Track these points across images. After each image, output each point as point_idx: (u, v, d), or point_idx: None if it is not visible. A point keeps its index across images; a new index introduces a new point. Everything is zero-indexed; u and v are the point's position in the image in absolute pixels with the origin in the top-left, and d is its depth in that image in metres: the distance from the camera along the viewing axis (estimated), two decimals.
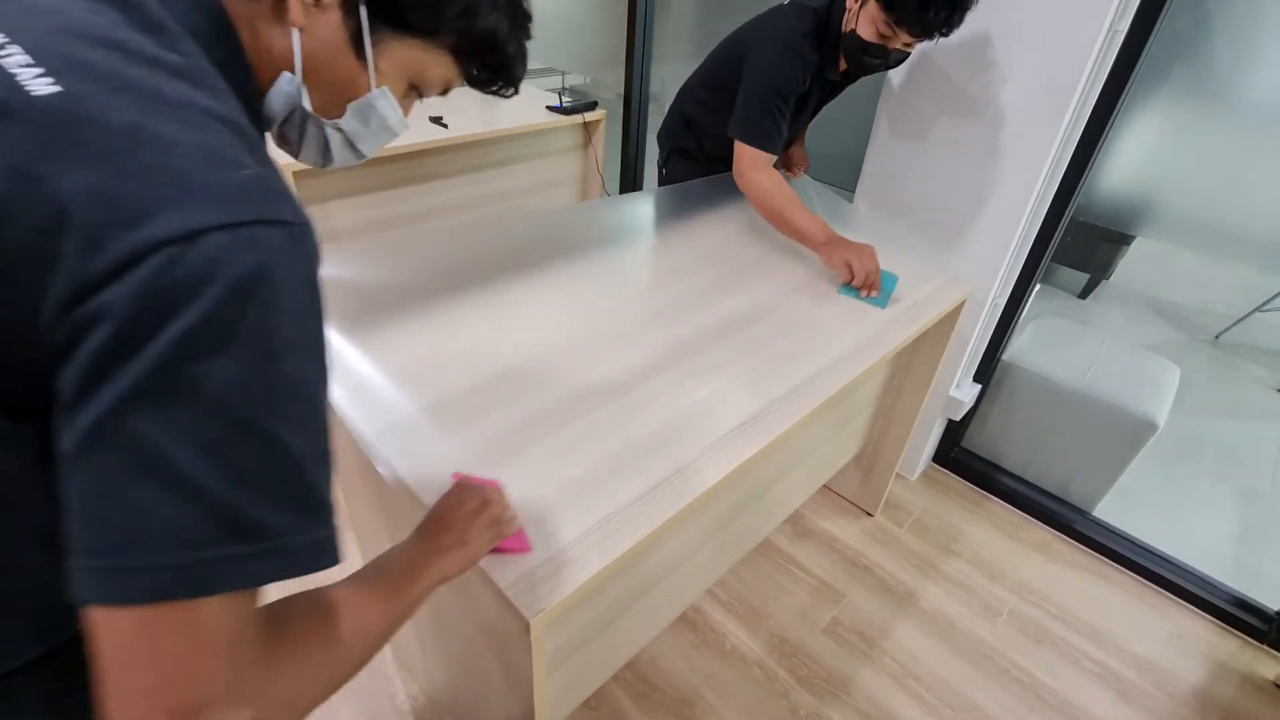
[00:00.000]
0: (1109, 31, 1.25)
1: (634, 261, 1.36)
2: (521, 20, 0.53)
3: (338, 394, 0.87)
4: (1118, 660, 1.50)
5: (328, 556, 0.38)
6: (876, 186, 1.68)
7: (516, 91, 0.58)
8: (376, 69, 0.49)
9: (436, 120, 2.18)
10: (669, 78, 2.63)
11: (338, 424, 0.84)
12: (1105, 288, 3.16)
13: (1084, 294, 3.14)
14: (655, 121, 2.67)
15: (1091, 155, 1.41)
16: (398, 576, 0.53)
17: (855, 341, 1.14)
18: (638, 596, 1.07)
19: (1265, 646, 1.55)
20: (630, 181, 2.81)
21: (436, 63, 0.51)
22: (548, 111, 2.45)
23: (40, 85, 0.32)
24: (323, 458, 0.38)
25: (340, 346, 0.96)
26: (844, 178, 1.91)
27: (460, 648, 0.98)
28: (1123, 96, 1.33)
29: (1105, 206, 1.68)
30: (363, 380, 0.91)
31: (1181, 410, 2.07)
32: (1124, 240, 2.84)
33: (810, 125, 1.72)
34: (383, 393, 0.91)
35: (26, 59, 0.33)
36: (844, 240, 1.29)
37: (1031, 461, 1.90)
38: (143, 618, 0.33)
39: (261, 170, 0.36)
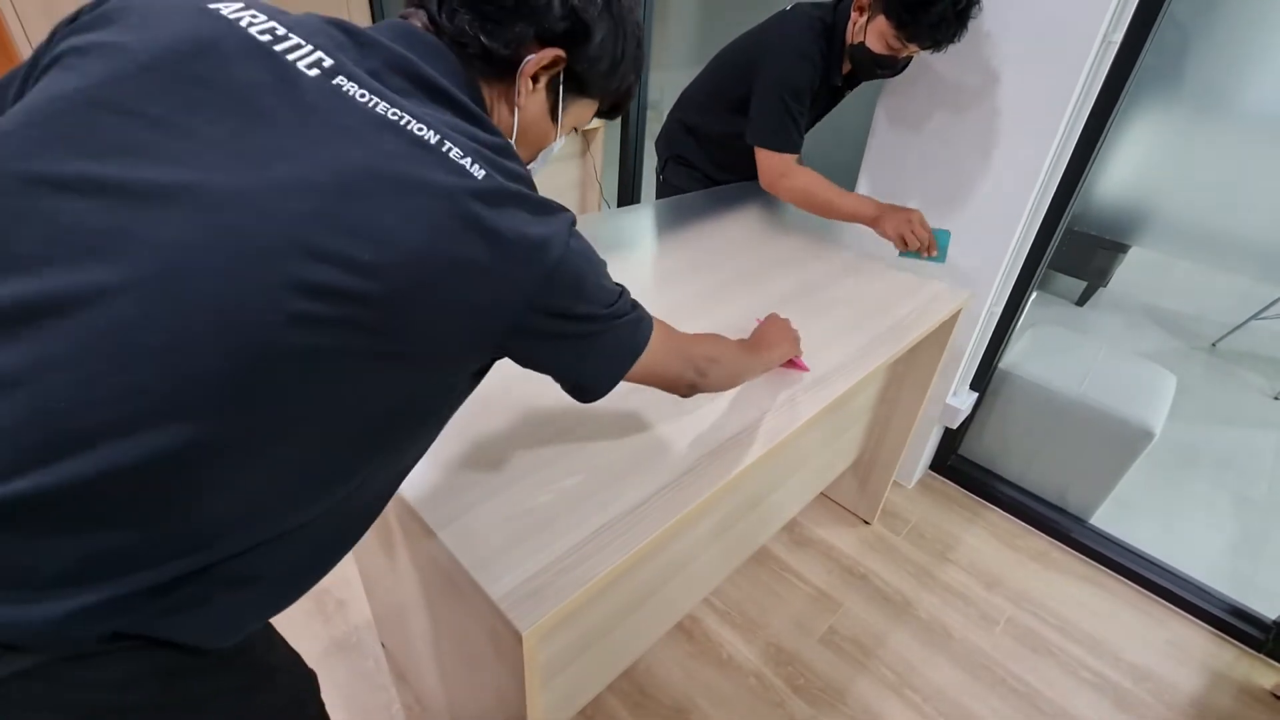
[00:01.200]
0: (1103, 42, 1.25)
1: (625, 273, 1.36)
2: (641, 69, 0.69)
3: None
4: (1115, 669, 1.49)
5: (648, 316, 0.68)
6: (872, 195, 1.68)
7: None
8: (561, 125, 0.65)
9: None
10: (667, 86, 2.64)
11: None
12: (1102, 295, 3.17)
13: (1081, 301, 3.15)
14: (654, 129, 2.68)
15: (1086, 165, 1.42)
16: (752, 346, 0.96)
17: (850, 351, 1.15)
18: (634, 606, 1.07)
19: (1263, 656, 1.55)
20: (628, 189, 2.82)
21: (592, 109, 0.67)
22: None
23: (476, 171, 0.48)
24: (625, 295, 0.65)
25: None
26: (840, 186, 1.92)
27: (454, 659, 0.97)
28: (1117, 106, 1.34)
29: (1101, 215, 1.69)
30: None
31: (1178, 418, 2.08)
32: (1120, 248, 2.85)
33: (806, 135, 1.73)
34: None
35: (460, 151, 0.48)
36: (893, 210, 1.34)
37: (1028, 469, 1.90)
38: (649, 359, 0.67)
39: (547, 199, 0.55)
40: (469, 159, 0.48)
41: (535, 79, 0.59)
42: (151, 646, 0.46)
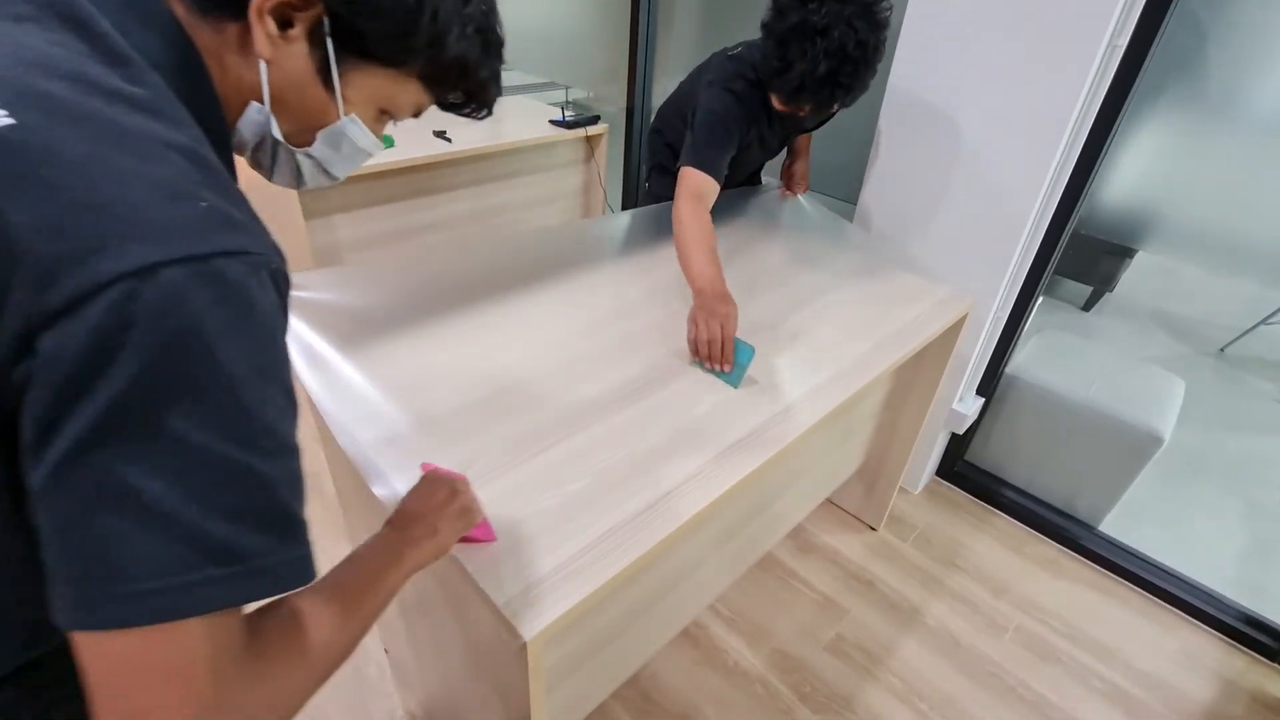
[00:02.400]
0: (1108, 47, 1.25)
1: (628, 277, 1.36)
2: (494, 46, 0.54)
3: (331, 410, 0.87)
4: (1125, 678, 1.47)
5: (305, 574, 0.39)
6: (877, 200, 1.68)
7: (490, 114, 0.59)
8: (345, 98, 0.50)
9: (440, 134, 2.20)
10: (669, 92, 2.65)
11: (331, 440, 0.84)
12: (1108, 300, 3.16)
13: (1087, 306, 3.14)
14: None
15: (1092, 169, 1.41)
16: (373, 570, 0.53)
17: (853, 357, 1.14)
18: (639, 613, 1.06)
19: (1275, 664, 1.53)
20: (632, 195, 2.83)
21: (405, 90, 0.52)
22: (550, 125, 2.47)
23: None
24: (293, 480, 0.39)
25: (334, 363, 0.96)
26: (846, 190, 1.92)
27: (457, 665, 0.97)
28: (1123, 111, 1.33)
29: (1107, 220, 1.68)
30: (354, 397, 0.91)
31: (1187, 424, 2.05)
32: (1127, 253, 2.84)
33: (812, 138, 1.73)
34: (375, 409, 0.90)
35: None
36: (712, 298, 1.09)
37: (1036, 475, 1.88)
38: (125, 642, 0.33)
39: (220, 202, 0.36)
40: None
41: (286, 23, 0.45)
42: None
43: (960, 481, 1.97)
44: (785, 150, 1.69)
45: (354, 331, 1.02)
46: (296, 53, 0.46)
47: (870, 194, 1.70)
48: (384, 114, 0.54)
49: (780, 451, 0.91)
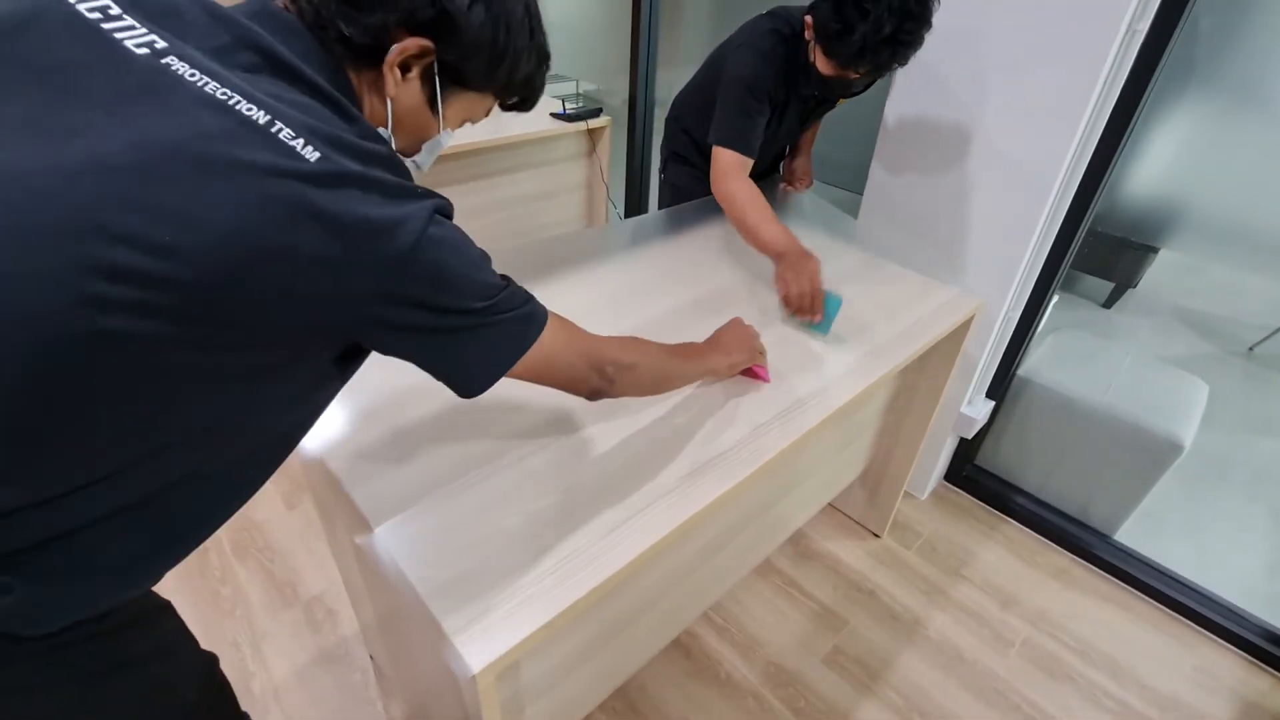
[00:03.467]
0: (1127, 32, 1.17)
1: (619, 282, 1.32)
2: (546, 60, 0.67)
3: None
4: (1139, 698, 1.41)
5: (540, 308, 0.64)
6: (883, 193, 1.62)
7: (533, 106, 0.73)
8: (444, 118, 0.63)
9: None
10: (677, 85, 2.59)
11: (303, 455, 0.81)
12: (1131, 296, 3.04)
13: (1108, 303, 3.03)
14: (661, 127, 2.63)
15: (1110, 162, 1.33)
16: (691, 351, 0.91)
17: (853, 359, 1.08)
18: (627, 622, 1.02)
19: None
20: (636, 189, 2.77)
21: (484, 103, 0.66)
22: (551, 119, 2.42)
23: (308, 153, 0.45)
24: (516, 289, 0.62)
25: None
26: (852, 181, 1.85)
27: (426, 680, 0.94)
28: (1143, 100, 1.25)
29: (1128, 216, 1.60)
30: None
31: (1212, 428, 1.96)
32: (1150, 249, 2.73)
33: (818, 129, 1.67)
34: (345, 422, 0.87)
35: (290, 133, 0.45)
36: (797, 256, 1.17)
37: (1049, 482, 1.81)
38: (530, 361, 0.63)
39: (414, 184, 0.52)
40: (301, 140, 0.45)
41: (406, 68, 0.57)
42: None
43: (969, 487, 1.90)
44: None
45: None
46: (412, 90, 0.59)
47: (876, 186, 1.63)
48: (465, 120, 0.68)
49: (769, 462, 0.87)
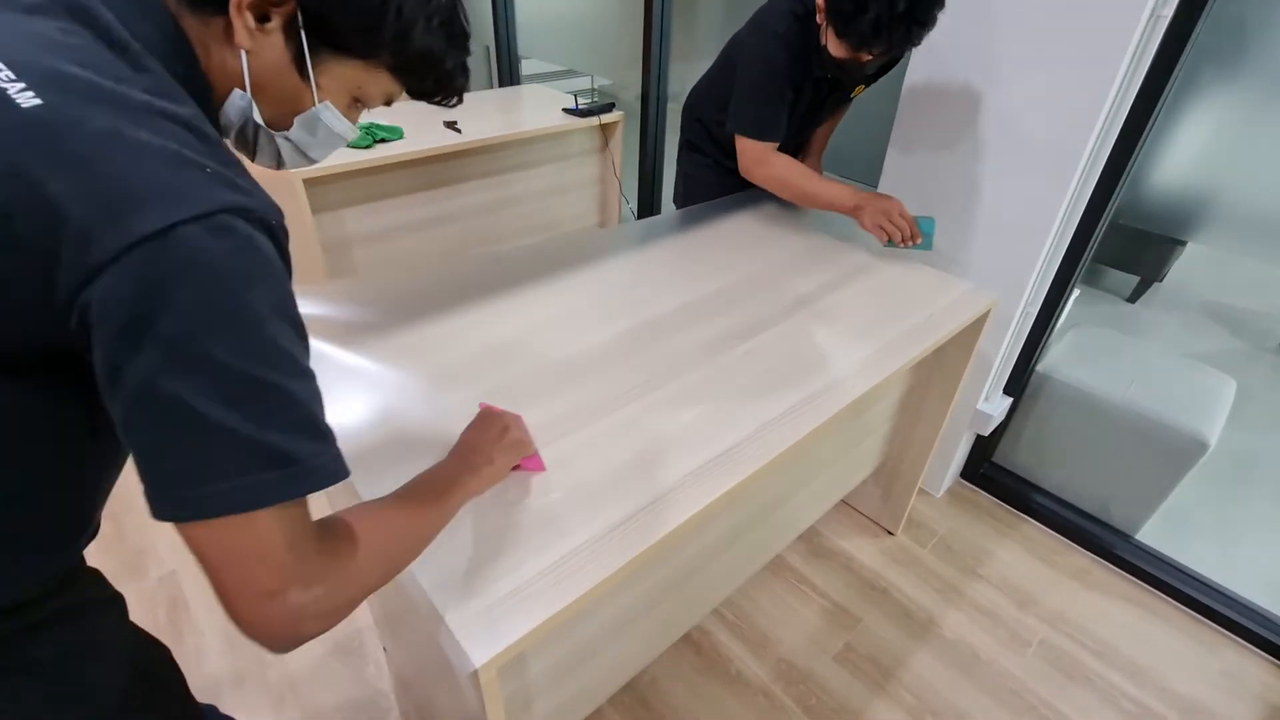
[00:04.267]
0: (1151, 16, 1.14)
1: (627, 282, 1.31)
2: (459, 38, 0.58)
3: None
4: (1160, 701, 1.38)
5: (341, 471, 0.46)
6: (898, 185, 1.59)
7: (460, 101, 0.63)
8: (319, 85, 0.55)
9: (450, 125, 2.17)
10: (690, 78, 2.57)
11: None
12: (1157, 291, 2.97)
13: (1133, 298, 2.96)
14: (675, 121, 2.61)
15: (1133, 152, 1.30)
16: (435, 489, 0.63)
17: (863, 356, 1.07)
18: (634, 619, 1.02)
19: None
20: (648, 184, 2.76)
21: (376, 79, 0.57)
22: (564, 114, 2.42)
23: (25, 98, 0.37)
24: (316, 396, 0.46)
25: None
26: (866, 174, 1.82)
27: (437, 676, 0.94)
28: (1168, 87, 1.22)
29: (1153, 209, 1.55)
30: (339, 408, 0.89)
31: (1239, 426, 1.91)
32: (1177, 241, 2.66)
33: (814, 129, 1.65)
34: (350, 418, 0.88)
35: (9, 74, 0.38)
36: (872, 198, 1.30)
37: (1069, 480, 1.77)
38: (219, 530, 0.41)
39: (221, 168, 0.42)
40: (21, 84, 0.38)
41: (264, 18, 0.49)
42: None
43: (986, 485, 1.87)
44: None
45: (340, 336, 1.00)
46: (274, 44, 0.51)
47: (890, 178, 1.60)
48: (357, 102, 0.58)
49: (777, 458, 0.86)
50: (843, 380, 1.01)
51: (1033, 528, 1.78)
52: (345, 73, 0.55)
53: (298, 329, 0.45)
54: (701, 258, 1.36)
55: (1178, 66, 1.19)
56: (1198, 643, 1.50)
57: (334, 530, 0.50)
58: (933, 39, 1.14)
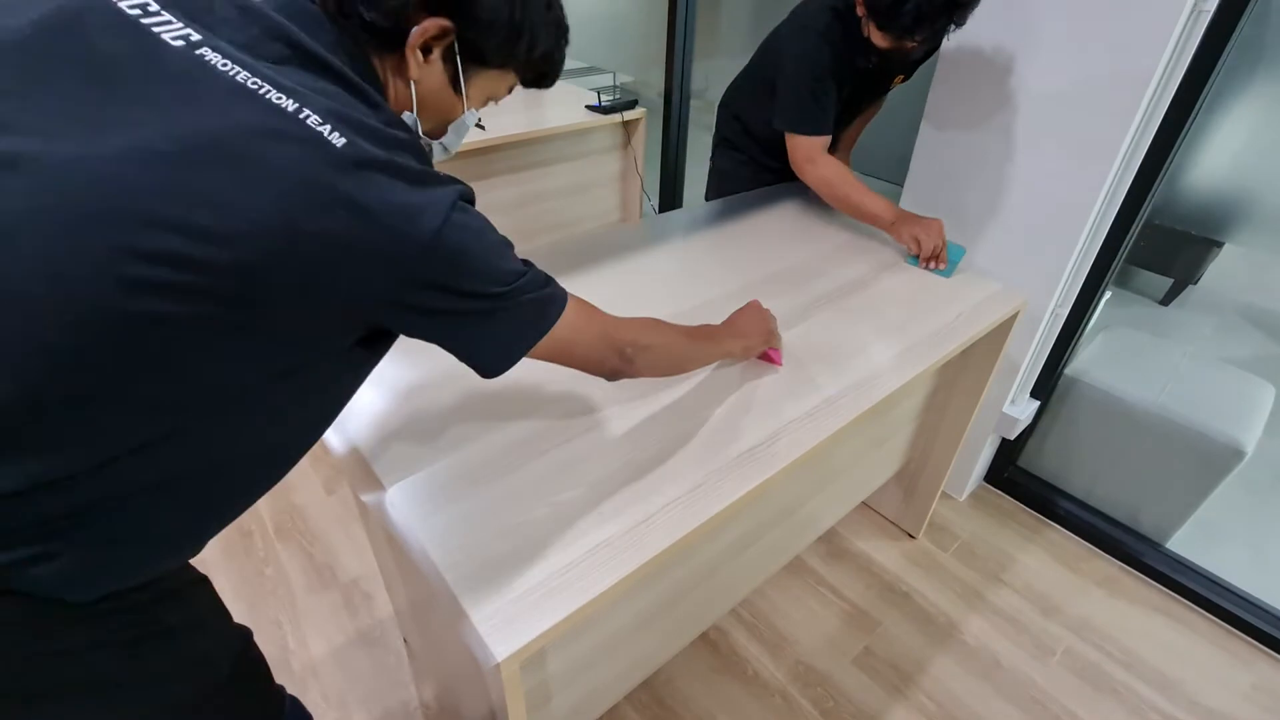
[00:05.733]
0: (1192, 12, 1.11)
1: (656, 273, 1.31)
2: (565, 32, 0.67)
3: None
4: (1189, 714, 1.34)
5: (563, 290, 0.67)
6: (926, 183, 1.57)
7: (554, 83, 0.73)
8: (467, 96, 0.64)
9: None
10: (714, 74, 2.56)
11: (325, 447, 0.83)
12: (1191, 293, 2.89)
13: (1166, 300, 2.88)
14: (698, 118, 2.60)
15: (1171, 151, 1.26)
16: (711, 334, 0.91)
17: (889, 356, 1.06)
18: (653, 617, 1.02)
19: None
20: (670, 181, 2.76)
21: (505, 80, 0.67)
22: (586, 111, 2.42)
23: (335, 139, 0.47)
24: (539, 273, 0.63)
25: None
26: (894, 172, 1.80)
27: (457, 669, 0.95)
28: (1208, 85, 1.18)
29: (1190, 208, 1.52)
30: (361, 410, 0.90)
31: (1278, 433, 1.85)
32: (1213, 242, 2.58)
33: (853, 121, 1.63)
34: (376, 410, 0.89)
35: (317, 119, 0.47)
36: (912, 217, 1.32)
37: (1097, 485, 1.74)
38: (560, 336, 0.65)
39: (441, 173, 0.54)
40: (328, 126, 0.47)
41: (427, 50, 0.58)
42: (12, 595, 0.49)
43: (1011, 489, 1.84)
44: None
45: None
46: (434, 71, 0.61)
47: (917, 177, 1.58)
48: (489, 100, 0.68)
49: (799, 459, 0.85)
50: (868, 380, 1.00)
51: (1058, 533, 1.75)
52: (485, 82, 0.65)
53: (510, 247, 0.60)
54: (727, 254, 1.35)
55: (1218, 64, 1.16)
56: (1229, 655, 1.46)
57: (634, 322, 0.75)
58: (965, 36, 1.12)
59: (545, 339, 0.63)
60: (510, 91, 0.69)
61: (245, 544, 1.60)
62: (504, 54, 0.62)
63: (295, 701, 0.91)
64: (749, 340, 0.95)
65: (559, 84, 3.00)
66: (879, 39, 1.18)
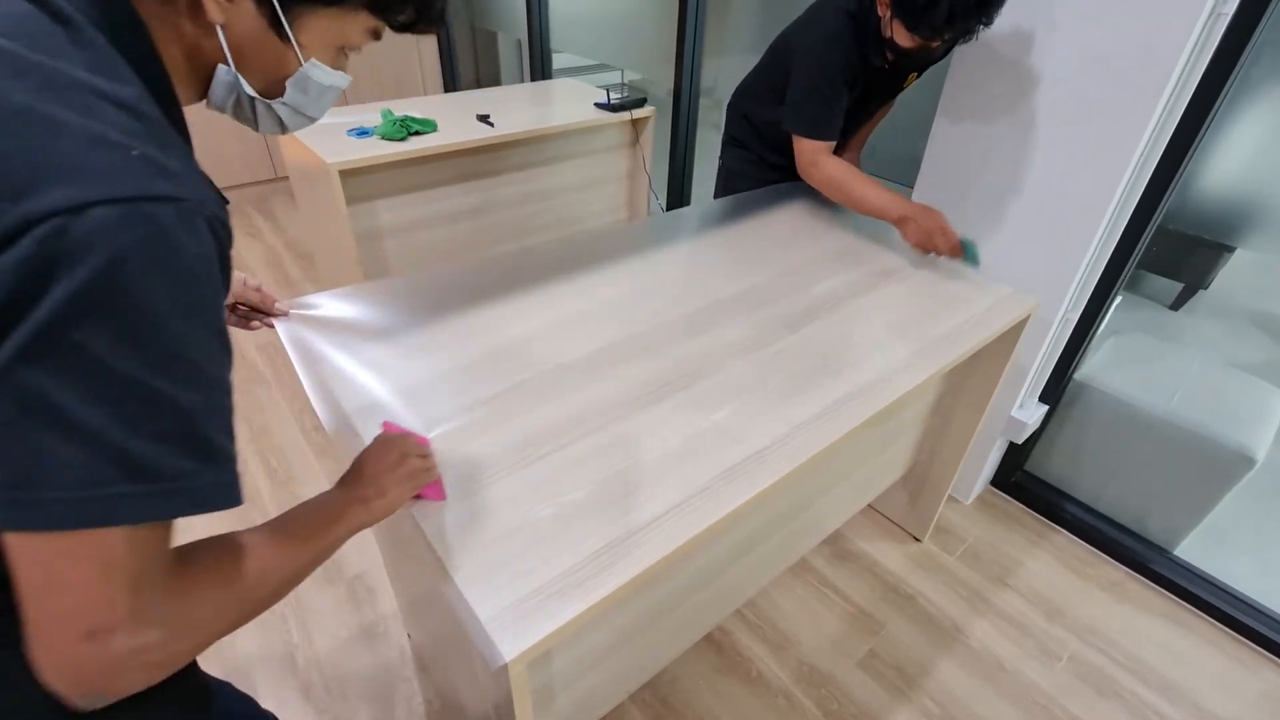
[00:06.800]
0: (1211, 14, 1.10)
1: (660, 274, 1.30)
2: None
3: (329, 416, 0.86)
4: None
5: (228, 498, 0.41)
6: (936, 186, 1.56)
7: (443, 26, 0.60)
8: (301, 44, 0.52)
9: (483, 118, 2.18)
10: (723, 72, 2.55)
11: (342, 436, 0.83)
12: (1201, 298, 2.87)
13: (1176, 305, 2.86)
14: (706, 117, 2.59)
15: (1186, 155, 1.25)
16: (314, 522, 0.56)
17: (896, 360, 1.05)
18: (657, 617, 1.02)
19: None
20: (678, 179, 2.75)
21: (355, 21, 0.53)
22: (595, 109, 2.42)
23: None
24: (217, 412, 0.41)
25: (338, 367, 0.94)
26: (904, 174, 1.79)
27: (461, 666, 0.96)
28: (1225, 89, 1.17)
29: (1202, 213, 1.50)
30: (359, 400, 0.90)
31: None
32: (1224, 247, 2.56)
33: (867, 120, 1.63)
34: (385, 413, 0.89)
35: None
36: (921, 211, 1.30)
37: (1104, 491, 1.73)
38: (52, 545, 0.36)
39: (155, 152, 0.38)
40: None
41: None
42: None
43: (1018, 493, 1.83)
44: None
45: (358, 339, 1.01)
46: (245, 12, 0.48)
47: (928, 179, 1.57)
48: (342, 49, 0.56)
49: (805, 463, 0.85)
50: (876, 383, 0.99)
51: (1064, 538, 1.74)
52: (324, 24, 0.52)
53: (213, 334, 0.40)
54: (735, 254, 1.35)
55: (1236, 67, 1.15)
56: (1236, 662, 1.45)
57: (191, 563, 0.43)
58: (981, 36, 1.11)
59: (77, 534, 0.36)
60: (375, 37, 0.56)
61: None
62: None
63: (226, 686, 0.82)
64: (388, 495, 0.63)
65: (568, 81, 3.00)
66: (904, 39, 1.17)
